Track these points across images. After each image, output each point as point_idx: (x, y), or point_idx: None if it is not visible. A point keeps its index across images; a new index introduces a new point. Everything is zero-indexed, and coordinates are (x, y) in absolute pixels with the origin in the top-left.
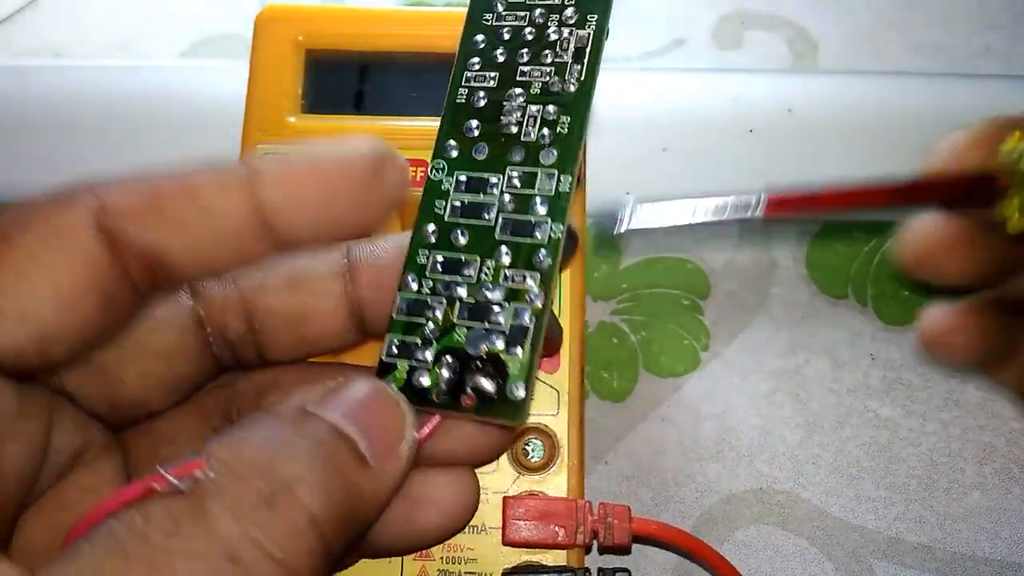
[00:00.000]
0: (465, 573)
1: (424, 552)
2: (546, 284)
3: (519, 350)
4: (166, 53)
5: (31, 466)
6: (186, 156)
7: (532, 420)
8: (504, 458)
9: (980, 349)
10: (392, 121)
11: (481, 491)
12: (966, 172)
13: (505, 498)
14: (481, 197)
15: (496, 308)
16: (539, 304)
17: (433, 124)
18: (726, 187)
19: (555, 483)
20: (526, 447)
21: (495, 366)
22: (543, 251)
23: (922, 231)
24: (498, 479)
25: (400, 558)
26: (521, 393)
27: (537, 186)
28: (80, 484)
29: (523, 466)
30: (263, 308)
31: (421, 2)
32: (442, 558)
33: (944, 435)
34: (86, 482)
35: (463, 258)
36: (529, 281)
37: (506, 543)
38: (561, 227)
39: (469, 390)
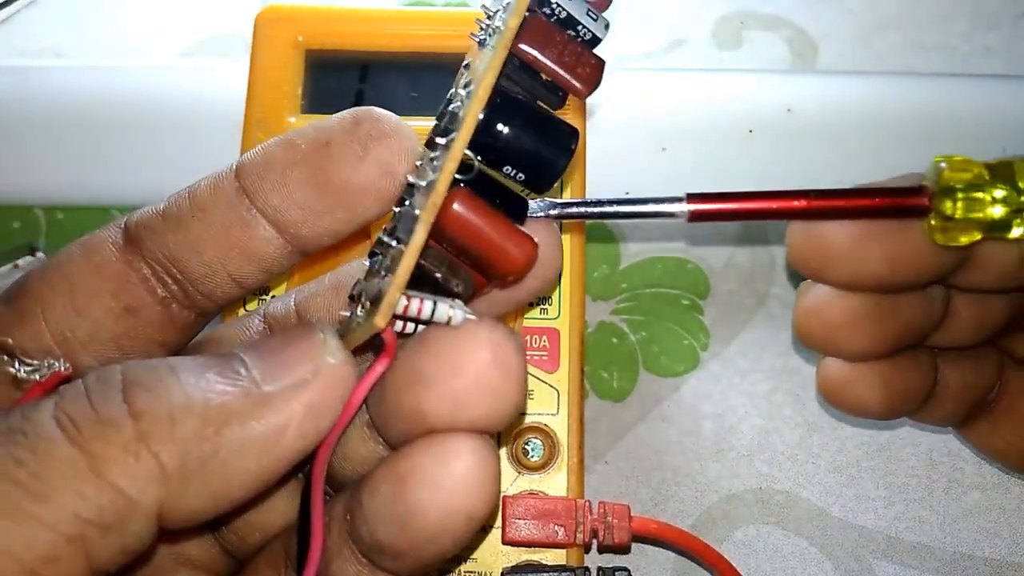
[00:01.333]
0: (465, 572)
1: None
2: (411, 230)
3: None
4: (166, 53)
5: None
6: (190, 156)
7: (532, 419)
8: (504, 457)
9: (885, 402)
10: None
11: None
12: (897, 185)
13: (505, 497)
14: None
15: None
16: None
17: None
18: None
19: (555, 482)
20: (526, 446)
21: (374, 289)
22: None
23: (815, 307)
24: None
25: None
26: (380, 294)
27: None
28: None
29: (523, 465)
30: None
31: (421, 2)
32: None
33: (944, 435)
34: None
35: (399, 211)
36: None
37: (506, 542)
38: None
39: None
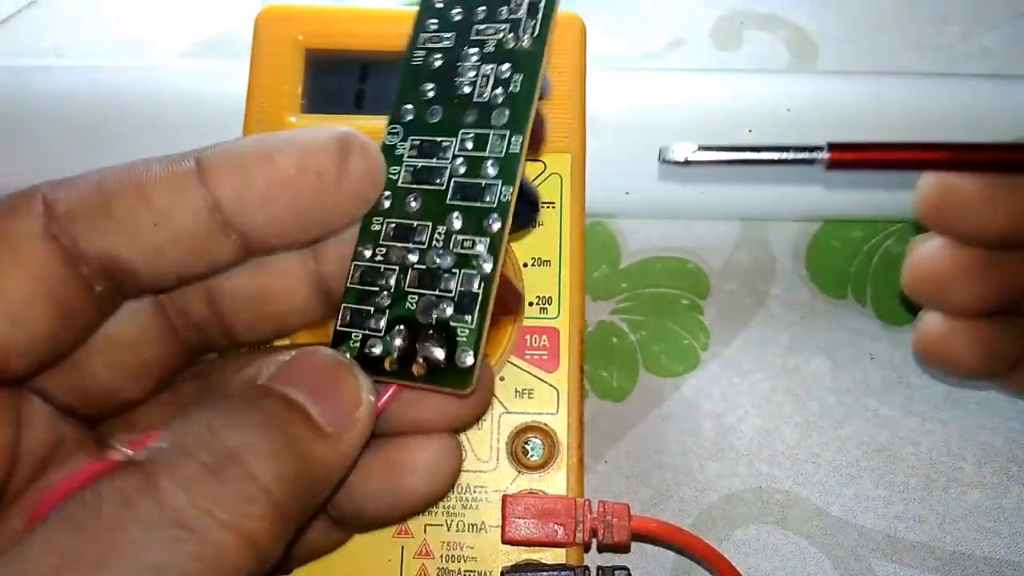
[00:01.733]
0: (465, 571)
1: (424, 550)
2: (495, 248)
3: (467, 317)
4: (166, 53)
5: (4, 467)
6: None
7: (531, 419)
8: (504, 457)
9: (981, 359)
10: None
11: (481, 490)
12: None
13: (504, 496)
14: (434, 161)
15: (446, 275)
16: (488, 269)
17: None
18: (725, 186)
19: (554, 482)
20: (526, 446)
21: (444, 333)
22: (493, 215)
23: (927, 257)
24: (497, 478)
25: (400, 557)
26: (469, 360)
27: (488, 148)
28: (55, 482)
29: (523, 464)
30: (225, 290)
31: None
32: (442, 556)
33: (943, 434)
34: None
35: (415, 224)
36: (479, 246)
37: (505, 541)
38: (511, 189)
39: (420, 359)
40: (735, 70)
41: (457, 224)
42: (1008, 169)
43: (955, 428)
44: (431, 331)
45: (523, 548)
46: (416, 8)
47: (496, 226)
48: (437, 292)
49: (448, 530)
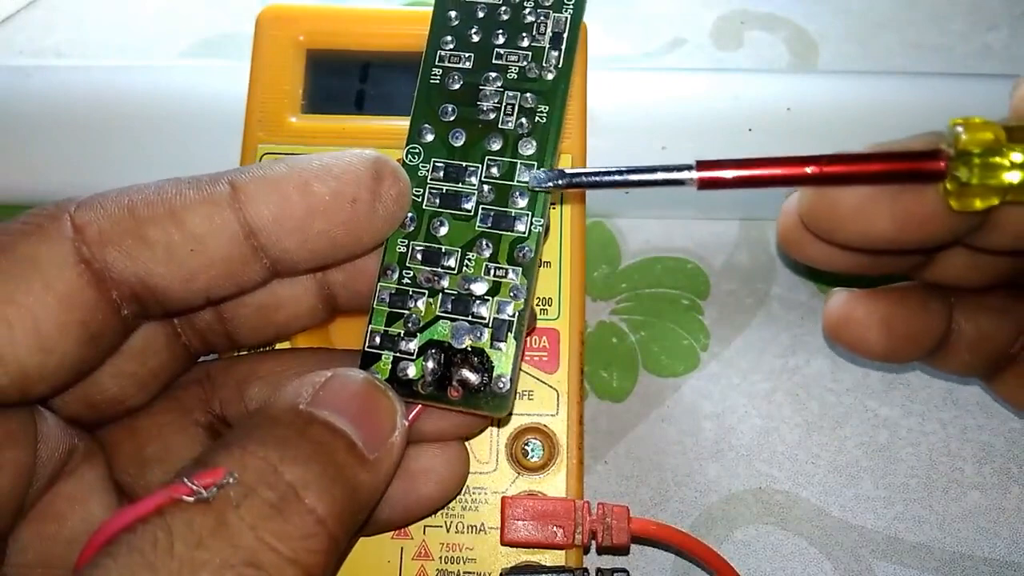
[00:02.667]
0: (464, 573)
1: (423, 552)
2: (528, 278)
3: (503, 344)
4: (166, 53)
5: (21, 485)
6: (190, 156)
7: (531, 420)
8: (503, 458)
9: (890, 340)
10: (393, 121)
11: (480, 491)
12: (911, 148)
13: (504, 498)
14: (460, 186)
15: (479, 301)
16: (522, 299)
17: None
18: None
19: (554, 483)
20: (525, 447)
21: (480, 359)
22: (525, 245)
23: (842, 306)
24: (497, 479)
25: (399, 558)
26: (507, 386)
27: (516, 177)
28: (66, 493)
29: (522, 466)
30: (235, 301)
31: (421, 2)
32: (441, 558)
33: (943, 435)
34: (71, 490)
35: (443, 248)
36: (512, 275)
37: (505, 543)
38: (541, 221)
39: (455, 383)
40: (735, 70)
41: (487, 251)
42: (880, 180)
43: (955, 428)
44: (466, 356)
45: (522, 550)
46: (415, 8)
47: (529, 256)
48: (470, 317)
49: (447, 531)
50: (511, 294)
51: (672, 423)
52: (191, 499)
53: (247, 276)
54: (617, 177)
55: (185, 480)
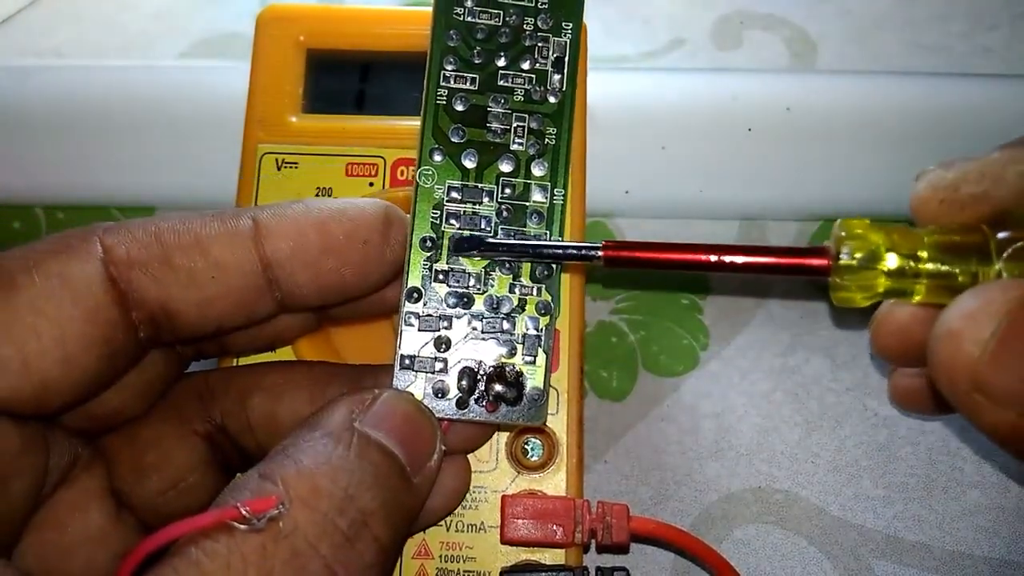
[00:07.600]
0: (464, 572)
1: (423, 551)
2: (553, 294)
3: (534, 358)
4: (166, 53)
5: (34, 492)
6: (190, 156)
7: None
8: (503, 457)
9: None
10: (393, 121)
11: (480, 490)
12: (800, 248)
13: (504, 497)
14: (475, 208)
15: (507, 320)
16: (548, 312)
17: None
18: (725, 186)
19: (554, 482)
20: (525, 446)
21: (512, 374)
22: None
23: (889, 320)
24: (497, 478)
25: (399, 558)
26: (542, 397)
27: (531, 199)
28: (67, 501)
29: (522, 465)
30: None
31: (421, 2)
32: (441, 556)
33: (943, 434)
34: (72, 498)
35: (467, 269)
36: (535, 291)
37: (504, 542)
38: (560, 240)
39: (492, 398)
40: (735, 70)
41: (509, 271)
42: (770, 271)
43: (955, 428)
44: (499, 372)
45: (522, 548)
46: (415, 8)
47: (550, 273)
48: (500, 334)
49: (447, 530)
50: (538, 311)
51: (672, 422)
52: (244, 527)
53: (258, 307)
54: (529, 250)
55: (238, 506)
